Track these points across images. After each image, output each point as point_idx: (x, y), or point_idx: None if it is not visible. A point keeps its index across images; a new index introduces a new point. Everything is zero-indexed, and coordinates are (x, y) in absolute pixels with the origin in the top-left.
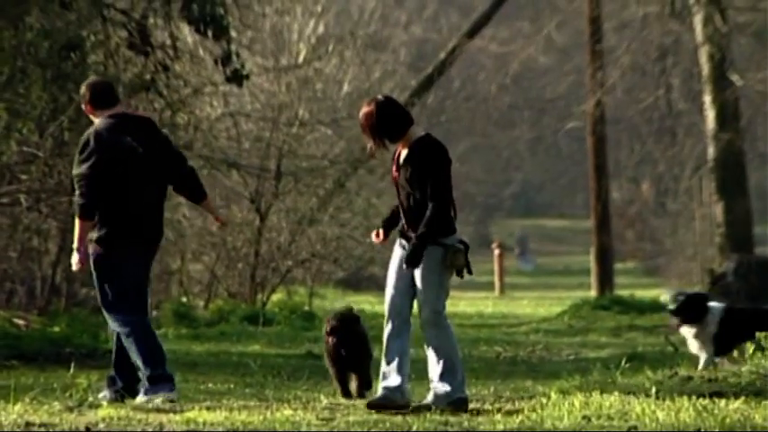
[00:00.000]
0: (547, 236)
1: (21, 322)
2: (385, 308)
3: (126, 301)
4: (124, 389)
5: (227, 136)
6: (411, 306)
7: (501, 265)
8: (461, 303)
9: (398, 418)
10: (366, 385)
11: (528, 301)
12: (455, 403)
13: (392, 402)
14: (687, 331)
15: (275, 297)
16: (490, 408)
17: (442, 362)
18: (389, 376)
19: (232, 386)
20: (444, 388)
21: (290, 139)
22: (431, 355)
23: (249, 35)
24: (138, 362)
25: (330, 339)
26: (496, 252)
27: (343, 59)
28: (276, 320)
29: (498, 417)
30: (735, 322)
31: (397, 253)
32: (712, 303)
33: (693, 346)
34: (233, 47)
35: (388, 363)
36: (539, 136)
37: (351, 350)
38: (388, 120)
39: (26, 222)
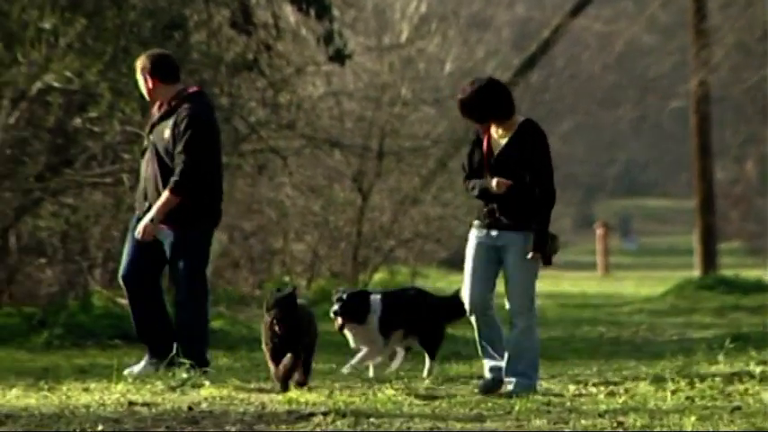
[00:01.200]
0: (650, 215)
1: (124, 302)
2: (466, 300)
3: (202, 280)
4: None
5: (329, 115)
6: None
7: (604, 245)
8: (564, 283)
9: (501, 400)
10: (306, 370)
11: (631, 281)
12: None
13: (500, 386)
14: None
15: (377, 277)
16: (593, 388)
17: (528, 353)
18: (493, 362)
19: (334, 366)
20: (528, 380)
21: (392, 118)
22: (516, 344)
23: (352, 14)
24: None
25: (267, 318)
26: (599, 232)
27: (445, 39)
28: None
29: (601, 397)
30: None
31: (479, 241)
32: (373, 296)
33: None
34: (335, 26)
35: (488, 354)
36: (642, 115)
37: (288, 332)
38: (501, 99)
39: (129, 202)
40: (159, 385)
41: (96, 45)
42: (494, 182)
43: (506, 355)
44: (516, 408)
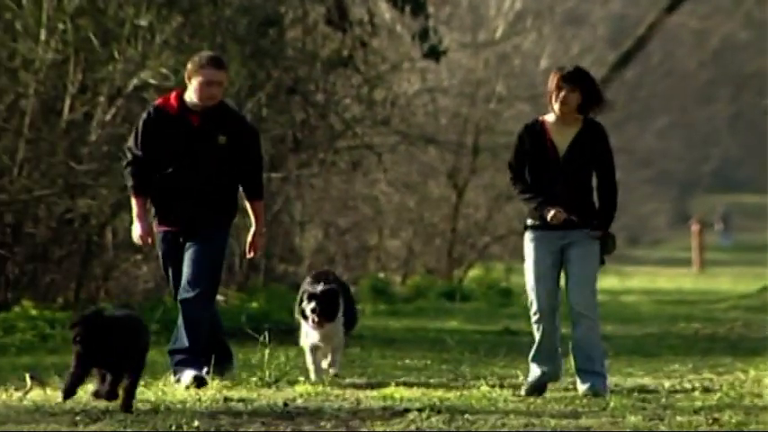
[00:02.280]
0: (746, 212)
1: (220, 298)
2: (534, 303)
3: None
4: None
5: (424, 112)
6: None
7: (700, 241)
8: (660, 280)
9: (592, 396)
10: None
11: (727, 277)
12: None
13: (545, 388)
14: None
15: (472, 273)
16: (689, 385)
17: (598, 350)
18: (544, 367)
19: (429, 362)
20: (604, 379)
21: (487, 114)
22: (585, 343)
23: (447, 11)
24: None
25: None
26: (695, 228)
27: (541, 35)
28: (473, 296)
29: (697, 394)
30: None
31: (542, 244)
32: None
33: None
34: (430, 22)
35: (540, 359)
36: (738, 112)
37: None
38: (597, 89)
39: None
40: (254, 381)
41: (192, 42)
42: (551, 213)
43: (575, 356)
44: (611, 404)
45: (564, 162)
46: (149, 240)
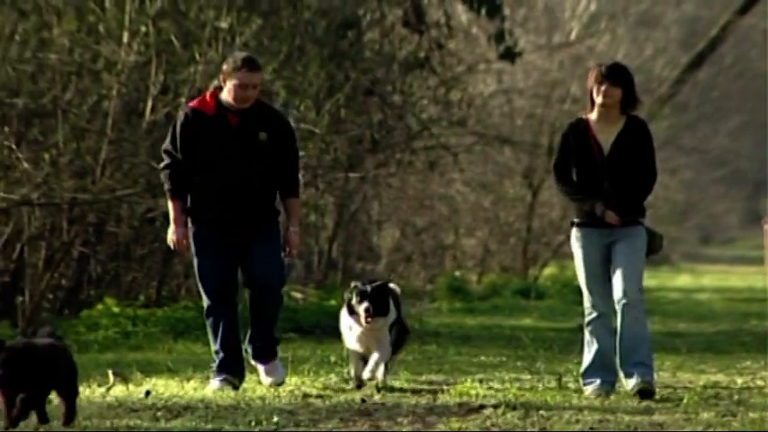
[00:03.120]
0: None
1: (298, 296)
2: (589, 301)
3: None
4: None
5: (500, 112)
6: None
7: None
8: (732, 278)
9: (668, 390)
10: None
11: None
12: (649, 391)
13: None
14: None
15: (547, 271)
16: (761, 381)
17: (644, 343)
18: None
19: (504, 359)
20: (650, 370)
21: (562, 115)
22: (632, 335)
23: (522, 13)
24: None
25: None
26: (767, 227)
27: (614, 37)
28: (548, 294)
29: None
30: None
31: (592, 243)
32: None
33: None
34: (506, 24)
35: (600, 363)
36: None
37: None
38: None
39: (303, 198)
40: (333, 378)
41: (272, 44)
42: (608, 215)
43: (621, 348)
44: (684, 400)
45: (608, 160)
46: (185, 244)
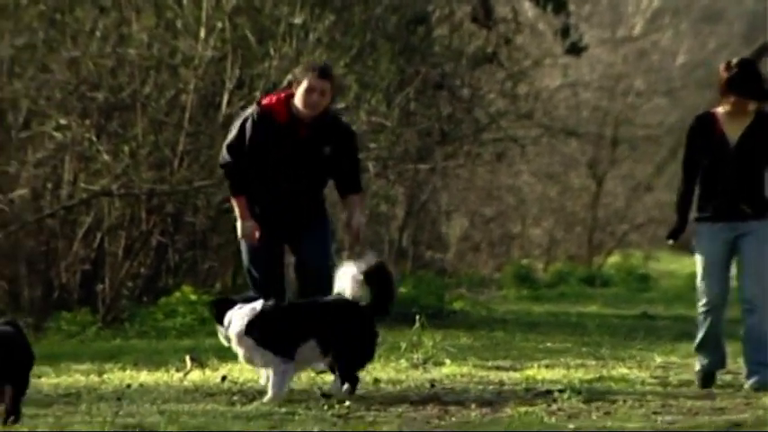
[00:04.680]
0: None
1: None
2: (703, 295)
3: None
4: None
5: (565, 105)
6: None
7: None
8: None
9: (729, 376)
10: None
11: None
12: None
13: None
14: None
15: (612, 260)
16: None
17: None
18: (711, 358)
19: (570, 345)
20: None
21: (626, 108)
22: (754, 335)
23: (587, 8)
24: None
25: None
26: None
27: (678, 31)
28: (612, 282)
29: None
30: None
31: (716, 236)
32: None
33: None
34: (572, 20)
35: (708, 351)
36: None
37: None
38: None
39: (374, 189)
40: (404, 363)
41: (344, 39)
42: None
43: (746, 348)
44: (746, 386)
45: (735, 153)
46: (257, 235)
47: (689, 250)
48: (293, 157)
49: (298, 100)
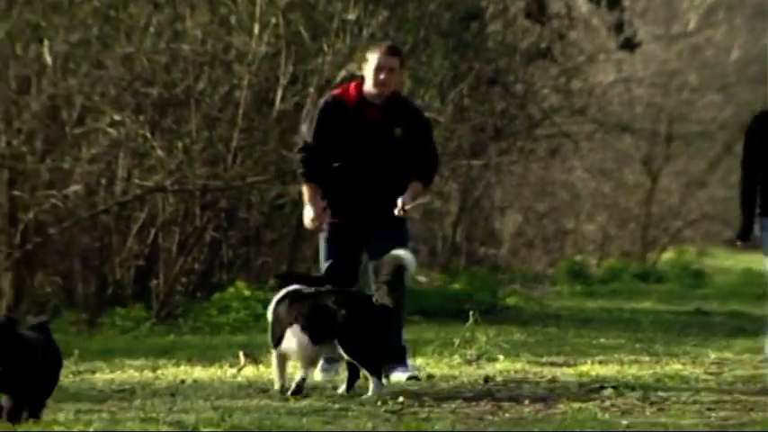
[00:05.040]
0: None
1: (423, 279)
2: None
3: None
4: None
5: (619, 101)
6: None
7: None
8: None
9: None
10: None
11: None
12: None
13: None
14: None
15: (666, 256)
16: None
17: None
18: None
19: (623, 341)
20: None
21: (680, 104)
22: None
23: (641, 4)
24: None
25: None
26: None
27: (732, 27)
28: (666, 278)
29: None
30: None
31: None
32: None
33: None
34: (626, 15)
35: None
36: None
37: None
38: None
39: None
40: (457, 359)
41: (397, 35)
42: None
43: None
44: None
45: None
46: (324, 217)
47: (752, 245)
48: (363, 140)
49: (367, 80)
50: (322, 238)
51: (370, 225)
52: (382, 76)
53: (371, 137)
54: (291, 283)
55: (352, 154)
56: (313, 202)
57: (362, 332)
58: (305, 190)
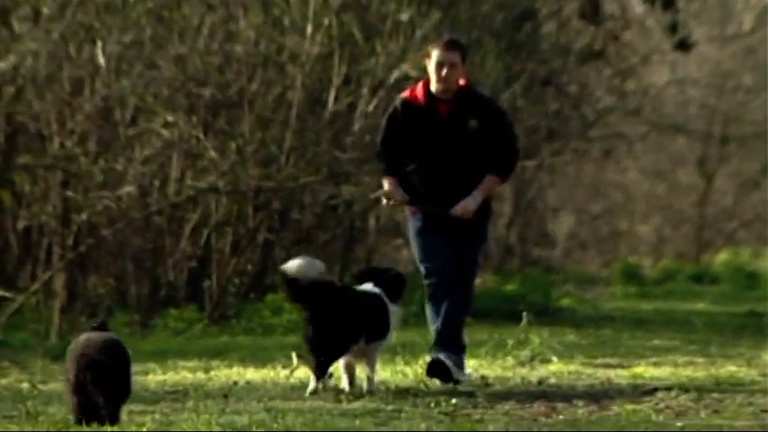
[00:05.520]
0: None
1: (477, 280)
2: None
3: None
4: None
5: (673, 102)
6: None
7: None
8: None
9: None
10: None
11: None
12: None
13: None
14: None
15: (720, 257)
16: None
17: None
18: None
19: (677, 343)
20: None
21: (735, 105)
22: None
23: (696, 5)
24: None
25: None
26: None
27: None
28: (721, 280)
29: None
30: None
31: None
32: None
33: None
34: (680, 16)
35: None
36: None
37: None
38: None
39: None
40: (510, 360)
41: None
42: None
43: None
44: None
45: None
46: (394, 191)
47: None
48: (437, 137)
49: (430, 76)
50: (414, 243)
51: (453, 220)
52: (444, 72)
53: (445, 133)
54: (363, 282)
55: (429, 152)
56: (391, 183)
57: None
58: (385, 183)
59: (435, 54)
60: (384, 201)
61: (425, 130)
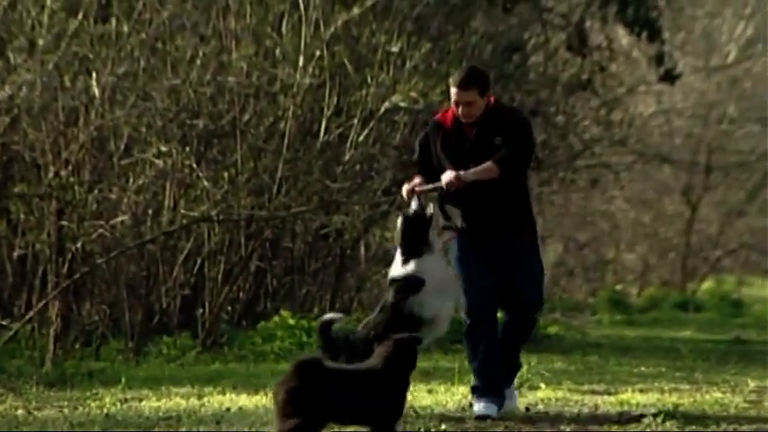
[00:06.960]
0: None
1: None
2: None
3: None
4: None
5: (659, 132)
6: None
7: None
8: None
9: None
10: None
11: None
12: None
13: None
14: None
15: (705, 285)
16: None
17: None
18: None
19: (663, 369)
20: None
21: (719, 135)
22: None
23: (681, 36)
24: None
25: None
26: None
27: None
28: (706, 307)
29: None
30: None
31: None
32: None
33: None
34: (666, 48)
35: None
36: None
37: None
38: None
39: None
40: None
41: (440, 67)
42: None
43: None
44: None
45: None
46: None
47: None
48: (467, 157)
49: None
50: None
51: (491, 241)
52: (461, 110)
53: (474, 152)
54: None
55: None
56: (422, 181)
57: None
58: (415, 179)
59: (452, 92)
60: (410, 197)
61: (454, 152)
